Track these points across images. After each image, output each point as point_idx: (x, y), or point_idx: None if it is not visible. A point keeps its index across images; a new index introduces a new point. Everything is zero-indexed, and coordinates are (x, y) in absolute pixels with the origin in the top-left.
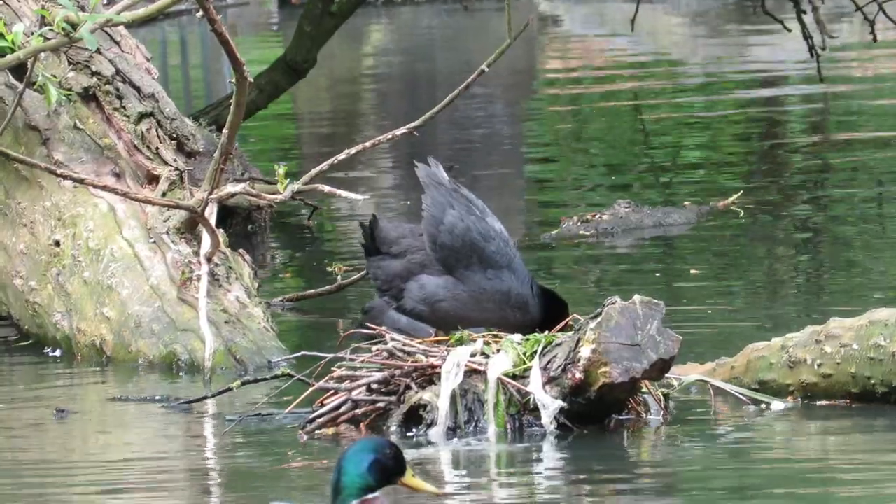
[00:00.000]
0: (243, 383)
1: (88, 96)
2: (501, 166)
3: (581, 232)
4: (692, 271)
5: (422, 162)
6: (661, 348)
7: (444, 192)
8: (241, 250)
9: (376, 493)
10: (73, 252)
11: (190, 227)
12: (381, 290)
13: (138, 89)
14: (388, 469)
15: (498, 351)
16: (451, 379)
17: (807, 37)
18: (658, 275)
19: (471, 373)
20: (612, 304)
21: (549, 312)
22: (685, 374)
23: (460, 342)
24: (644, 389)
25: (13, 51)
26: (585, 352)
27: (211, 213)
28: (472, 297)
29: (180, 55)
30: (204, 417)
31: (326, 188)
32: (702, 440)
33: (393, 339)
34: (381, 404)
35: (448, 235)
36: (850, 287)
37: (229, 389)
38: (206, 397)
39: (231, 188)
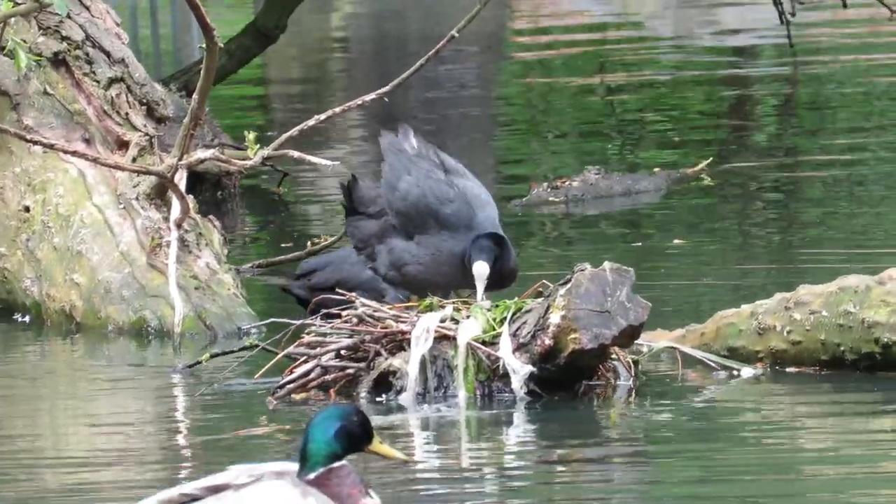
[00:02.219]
0: (212, 356)
1: (58, 61)
2: (471, 131)
3: (550, 199)
4: (675, 241)
5: (394, 129)
6: (631, 315)
7: (402, 159)
8: (210, 216)
9: (343, 461)
10: (42, 218)
11: (160, 193)
12: (357, 248)
13: (108, 54)
14: (355, 436)
15: (468, 317)
16: (420, 345)
17: (777, 3)
18: (627, 241)
19: (441, 339)
20: (582, 270)
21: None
22: (655, 340)
23: (430, 308)
24: (613, 356)
25: None
26: (555, 318)
27: (181, 179)
28: (433, 260)
29: (150, 20)
30: (173, 384)
31: (296, 154)
32: (671, 406)
33: (363, 305)
34: (350, 371)
35: (402, 202)
36: (819, 254)
37: (198, 363)
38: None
39: (201, 154)
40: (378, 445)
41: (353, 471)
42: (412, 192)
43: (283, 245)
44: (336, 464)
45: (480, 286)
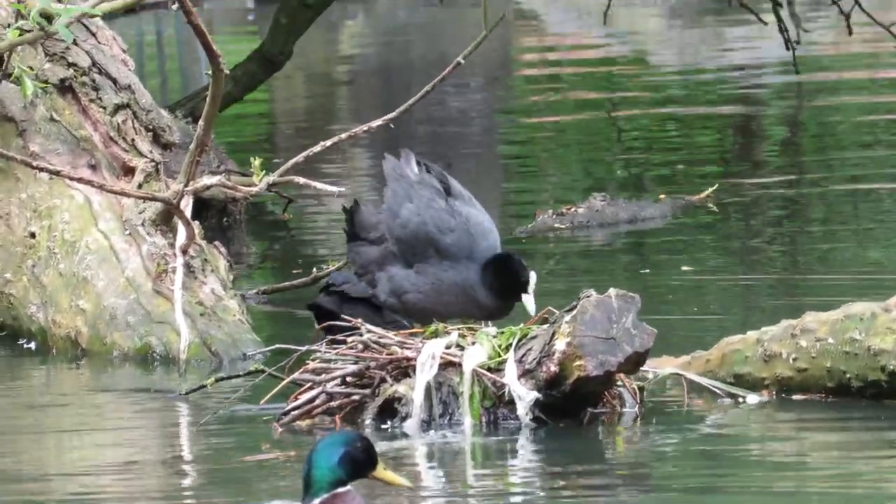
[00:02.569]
0: (217, 380)
1: (64, 87)
2: (477, 159)
3: (556, 225)
4: (683, 268)
5: (396, 153)
6: (636, 341)
7: (404, 185)
8: (216, 242)
9: (347, 487)
10: (48, 244)
11: (165, 220)
12: (358, 274)
13: (114, 81)
14: (360, 462)
15: (473, 343)
16: (425, 371)
17: (782, 30)
18: (633, 268)
19: (446, 365)
20: (588, 297)
21: (502, 292)
22: (660, 367)
23: (435, 334)
24: (619, 382)
25: None
26: (560, 345)
27: (186, 206)
28: (433, 289)
29: (156, 47)
30: (179, 409)
31: (302, 180)
32: (677, 433)
33: (368, 331)
34: (355, 397)
35: (402, 229)
36: (825, 281)
37: (203, 387)
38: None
39: (207, 180)
40: (382, 472)
41: (358, 495)
42: (413, 220)
43: (288, 271)
44: (340, 489)
45: (531, 300)
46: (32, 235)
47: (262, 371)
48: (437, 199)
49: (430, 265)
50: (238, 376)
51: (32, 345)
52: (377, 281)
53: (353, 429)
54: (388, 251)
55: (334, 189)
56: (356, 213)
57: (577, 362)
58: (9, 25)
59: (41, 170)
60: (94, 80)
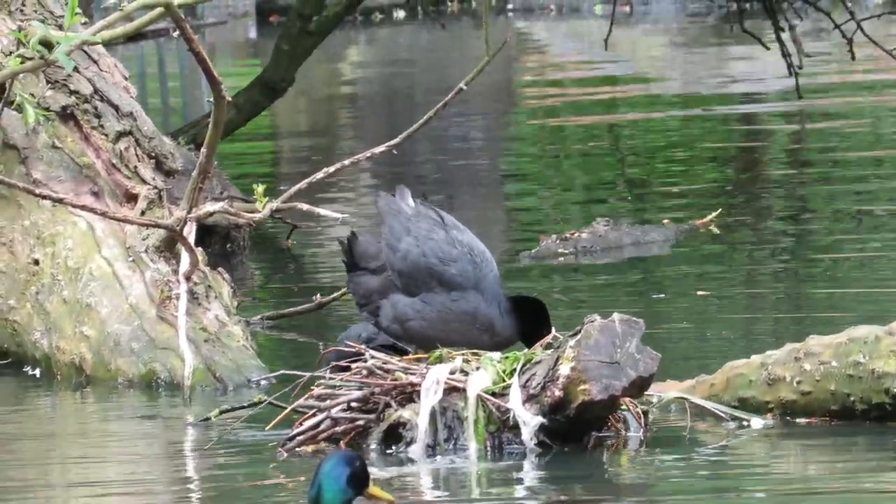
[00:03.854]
0: (221, 412)
1: (66, 115)
2: (480, 184)
3: (560, 250)
4: (699, 292)
5: (392, 190)
6: (641, 366)
7: (401, 220)
8: (219, 269)
9: None
10: (51, 271)
11: (169, 246)
12: (359, 304)
13: (116, 108)
14: (362, 481)
15: (477, 368)
16: (430, 396)
17: (785, 55)
18: (637, 293)
19: (450, 390)
20: (592, 321)
21: (525, 328)
22: (664, 391)
23: (440, 360)
24: (623, 407)
25: None
26: (565, 369)
27: (190, 232)
28: (439, 318)
29: (158, 74)
30: (184, 435)
31: (305, 206)
32: (681, 458)
33: (372, 357)
34: (360, 422)
35: (402, 262)
36: (829, 304)
37: (207, 419)
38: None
39: (210, 207)
40: (374, 489)
41: None
42: (412, 251)
43: (292, 297)
44: None
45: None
46: (36, 262)
47: (264, 401)
48: (437, 230)
49: (437, 294)
50: (242, 407)
51: (37, 371)
52: (380, 309)
53: (347, 449)
54: (389, 281)
55: (337, 215)
56: (354, 244)
57: (582, 387)
58: (10, 53)
59: (44, 197)
60: (96, 108)
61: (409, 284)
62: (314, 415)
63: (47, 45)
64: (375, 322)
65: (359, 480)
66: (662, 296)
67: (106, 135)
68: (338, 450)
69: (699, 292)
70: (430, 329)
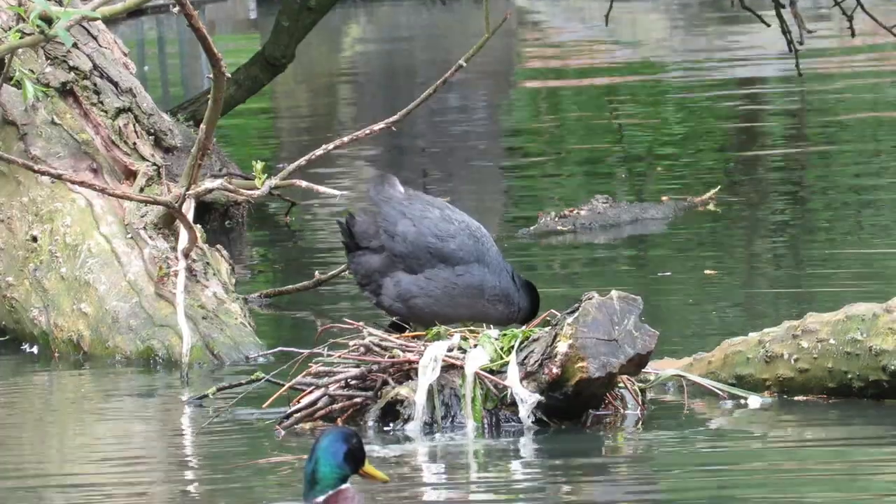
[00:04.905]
0: (218, 389)
1: (66, 91)
2: (479, 161)
3: (558, 227)
4: (706, 271)
5: (378, 181)
6: (638, 343)
7: (394, 205)
8: (218, 246)
9: (347, 484)
10: (50, 248)
11: (167, 223)
12: (361, 284)
13: (116, 84)
14: (358, 459)
15: (475, 346)
16: (428, 374)
17: (785, 31)
18: (635, 270)
19: (448, 367)
20: (590, 299)
21: (534, 304)
22: (662, 368)
23: (438, 337)
24: (621, 384)
25: None
26: (562, 347)
27: (188, 209)
28: (444, 293)
29: (158, 50)
30: (182, 413)
31: (304, 184)
32: (678, 435)
33: (370, 335)
34: (358, 400)
35: (403, 244)
36: (826, 282)
37: (205, 397)
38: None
39: (208, 184)
40: (369, 467)
41: (357, 493)
42: (409, 232)
43: (290, 274)
44: (343, 486)
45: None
46: (34, 239)
47: (262, 379)
48: (431, 209)
49: (441, 270)
50: (240, 385)
51: (35, 349)
52: (382, 287)
53: (344, 426)
54: (390, 259)
55: (336, 192)
56: (353, 224)
57: (579, 364)
58: (9, 29)
59: (43, 173)
60: (95, 84)
61: (412, 264)
62: (312, 392)
63: (47, 20)
64: (377, 301)
65: (355, 457)
66: (668, 273)
67: (105, 111)
68: (335, 426)
69: (706, 271)
70: (435, 305)
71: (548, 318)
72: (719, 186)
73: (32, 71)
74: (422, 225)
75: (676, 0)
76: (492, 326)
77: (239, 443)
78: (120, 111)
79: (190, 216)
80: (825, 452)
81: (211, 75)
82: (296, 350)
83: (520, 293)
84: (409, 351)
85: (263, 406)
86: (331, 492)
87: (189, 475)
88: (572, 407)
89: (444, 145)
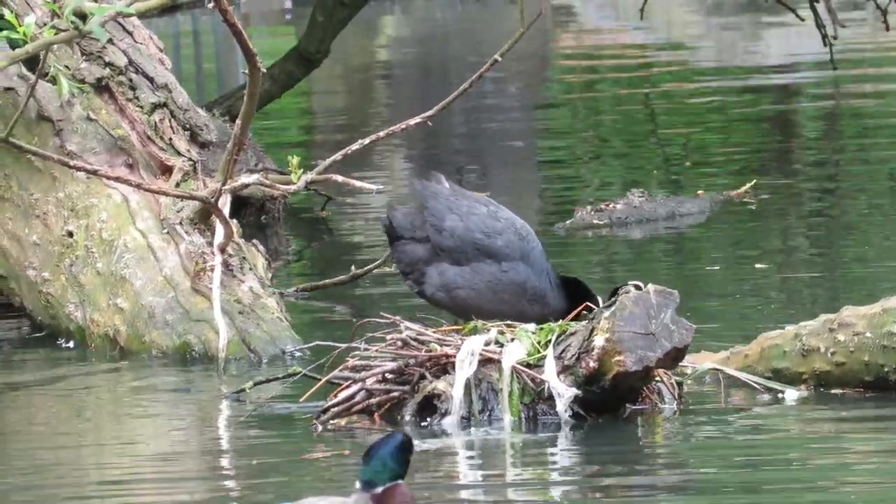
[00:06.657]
0: (256, 384)
1: (101, 87)
2: (515, 156)
3: (595, 221)
4: (757, 265)
5: (425, 176)
6: (675, 337)
7: (441, 200)
8: (254, 241)
9: (400, 481)
10: (86, 243)
11: (203, 218)
12: (404, 273)
13: (151, 80)
14: (408, 464)
15: (512, 340)
16: (465, 368)
17: (819, 26)
18: (672, 264)
19: (485, 362)
20: (626, 292)
21: (572, 303)
22: (699, 362)
23: (475, 331)
24: (658, 378)
25: (25, 43)
26: (599, 341)
27: (224, 204)
28: (488, 288)
29: (193, 46)
30: (218, 406)
31: (340, 178)
32: (716, 429)
33: (407, 329)
34: (395, 394)
35: (451, 239)
36: (863, 275)
37: (242, 391)
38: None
39: (244, 179)
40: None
41: (408, 490)
42: (458, 227)
43: (327, 269)
44: (399, 482)
45: None
46: (70, 234)
47: (299, 373)
48: (478, 206)
49: (488, 265)
50: (277, 379)
51: (71, 344)
52: (426, 276)
53: (400, 431)
54: (435, 251)
55: (372, 187)
56: (393, 217)
57: (616, 358)
58: (44, 24)
59: (78, 169)
60: (130, 80)
61: (459, 258)
62: (349, 386)
63: (81, 16)
64: (419, 291)
65: (407, 462)
66: (717, 268)
67: (141, 107)
68: (396, 431)
69: (757, 265)
70: (478, 298)
71: (585, 312)
72: (755, 180)
73: (68, 67)
74: (469, 221)
75: None
76: None
77: (276, 437)
78: (155, 107)
79: (226, 211)
80: (862, 446)
81: (246, 71)
82: (333, 344)
83: (555, 293)
84: (447, 345)
85: (300, 400)
86: (389, 484)
87: (226, 470)
88: (609, 401)
89: (478, 140)
